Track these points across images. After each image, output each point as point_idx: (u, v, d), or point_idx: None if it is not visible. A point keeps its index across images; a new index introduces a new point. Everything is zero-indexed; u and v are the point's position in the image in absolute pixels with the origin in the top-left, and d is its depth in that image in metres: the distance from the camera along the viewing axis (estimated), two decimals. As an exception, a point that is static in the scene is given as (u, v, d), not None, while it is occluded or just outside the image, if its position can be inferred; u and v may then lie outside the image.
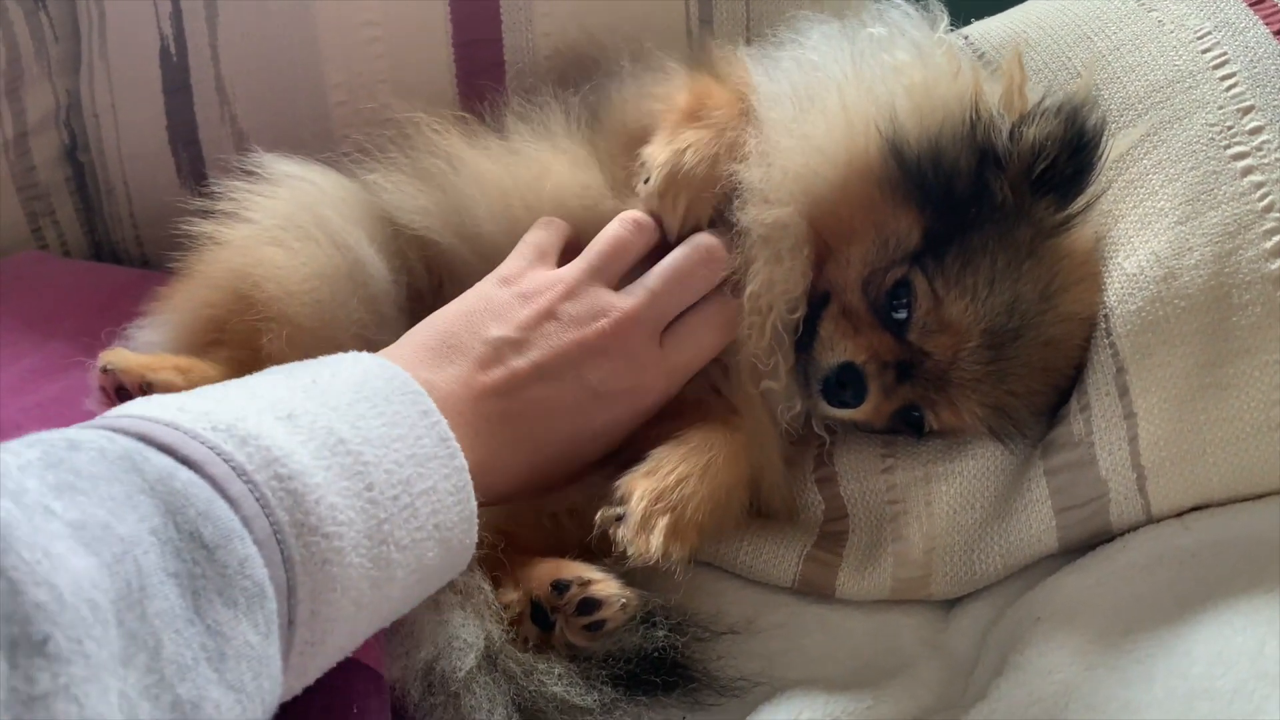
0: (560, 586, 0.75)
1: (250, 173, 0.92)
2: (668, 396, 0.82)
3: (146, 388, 0.81)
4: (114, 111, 1.23)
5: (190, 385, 0.78)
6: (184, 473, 0.51)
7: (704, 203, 0.82)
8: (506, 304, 0.78)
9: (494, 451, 0.73)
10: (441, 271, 0.92)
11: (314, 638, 0.55)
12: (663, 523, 0.74)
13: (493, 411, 0.74)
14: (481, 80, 1.07)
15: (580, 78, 0.95)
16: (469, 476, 0.65)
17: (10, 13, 1.26)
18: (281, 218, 0.89)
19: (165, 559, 0.48)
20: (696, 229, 0.83)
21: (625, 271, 0.82)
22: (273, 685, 0.52)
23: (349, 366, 0.66)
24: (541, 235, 0.85)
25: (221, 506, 0.51)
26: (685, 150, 0.81)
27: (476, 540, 0.67)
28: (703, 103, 0.84)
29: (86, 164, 1.31)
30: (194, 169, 1.19)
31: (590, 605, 0.74)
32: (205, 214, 0.91)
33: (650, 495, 0.75)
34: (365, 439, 0.59)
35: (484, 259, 0.86)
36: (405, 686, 0.69)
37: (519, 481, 0.77)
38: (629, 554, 0.72)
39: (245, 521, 0.51)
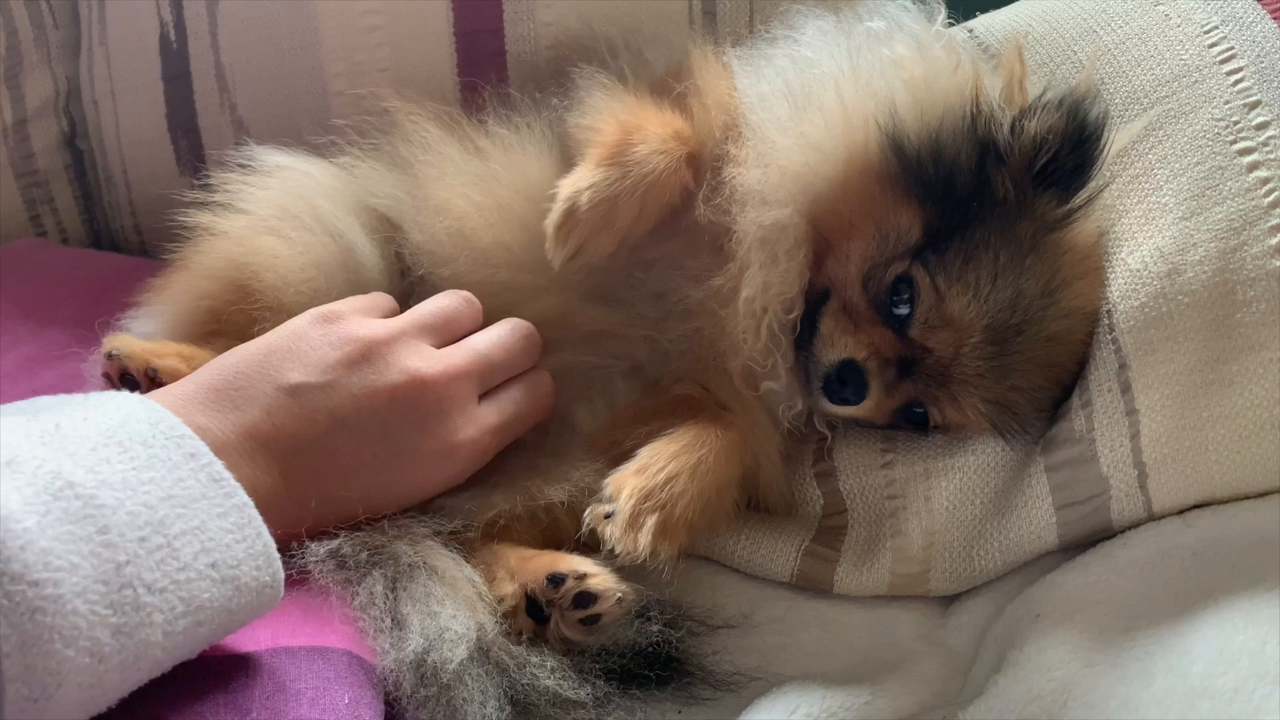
0: (556, 579, 0.74)
1: (244, 165, 0.92)
2: (477, 466, 0.80)
3: (152, 374, 0.80)
4: (113, 99, 1.22)
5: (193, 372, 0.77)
6: None
7: (596, 245, 0.80)
8: (316, 345, 0.74)
9: (291, 487, 0.69)
10: (418, 261, 0.91)
11: (34, 694, 0.52)
12: (651, 521, 0.73)
13: (271, 464, 0.70)
14: (482, 70, 1.07)
15: (575, 73, 0.94)
16: (255, 513, 0.62)
17: (10, -1, 1.26)
18: (277, 208, 0.89)
19: None
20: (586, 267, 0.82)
21: (450, 341, 0.80)
22: None
23: (109, 411, 0.62)
24: (376, 300, 0.82)
25: None
26: (585, 191, 0.79)
27: (282, 576, 0.63)
28: (627, 139, 0.81)
29: (86, 151, 1.31)
30: (193, 157, 1.19)
31: (586, 599, 0.74)
32: (200, 205, 0.91)
33: (639, 493, 0.74)
34: (102, 481, 0.56)
35: (453, 252, 0.86)
36: (397, 678, 0.68)
37: (296, 528, 0.72)
38: (617, 552, 0.72)
39: None
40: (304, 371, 0.73)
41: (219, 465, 0.62)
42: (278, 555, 0.62)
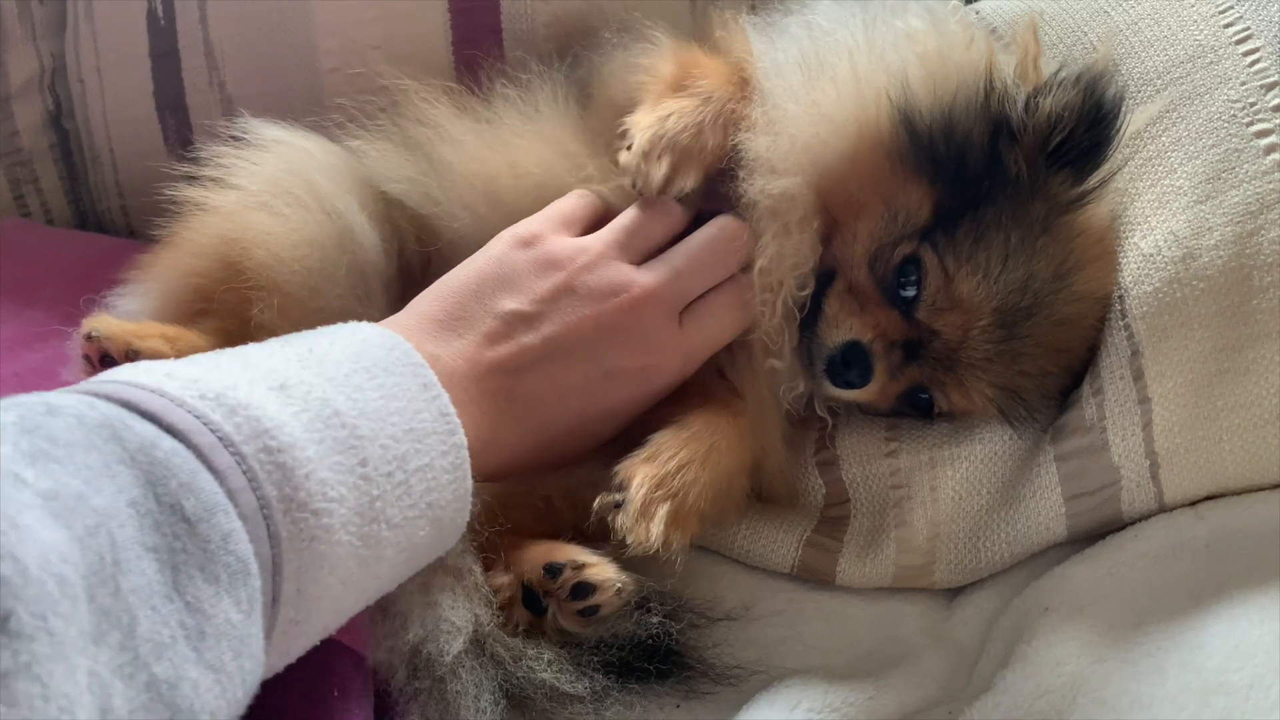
0: (553, 570, 0.72)
1: (237, 138, 0.90)
2: (682, 378, 0.80)
3: (133, 355, 0.78)
4: (99, 76, 1.20)
5: (178, 354, 0.76)
6: (167, 441, 0.49)
7: (687, 169, 0.79)
8: (522, 272, 0.75)
9: (497, 429, 0.70)
10: (431, 244, 0.89)
11: (299, 616, 0.53)
12: (663, 510, 0.71)
13: (499, 388, 0.71)
14: (478, 47, 1.05)
15: (579, 47, 0.93)
16: (467, 454, 0.63)
17: (-7, -28, 1.24)
18: (270, 183, 0.86)
19: (143, 533, 0.46)
20: (679, 197, 0.80)
21: (650, 251, 0.79)
22: (254, 665, 0.50)
23: (347, 336, 0.63)
24: (571, 204, 0.81)
25: (206, 478, 0.49)
26: (669, 116, 0.78)
27: (468, 519, 0.65)
28: (688, 72, 0.81)
29: (71, 130, 1.29)
30: (181, 136, 1.17)
31: (584, 590, 0.72)
32: (191, 180, 0.88)
33: (651, 482, 0.72)
34: (361, 412, 0.57)
35: (467, 233, 0.84)
36: (391, 670, 0.67)
37: (521, 460, 0.74)
38: (628, 542, 0.70)
39: (230, 495, 0.50)
40: (516, 299, 0.74)
41: (446, 399, 0.63)
42: (471, 500, 0.64)
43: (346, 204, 0.86)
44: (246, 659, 0.49)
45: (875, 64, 0.78)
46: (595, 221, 0.81)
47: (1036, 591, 0.76)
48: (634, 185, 0.78)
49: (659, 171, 0.78)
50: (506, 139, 0.86)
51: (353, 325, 0.65)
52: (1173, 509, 0.77)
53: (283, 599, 0.52)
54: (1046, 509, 0.79)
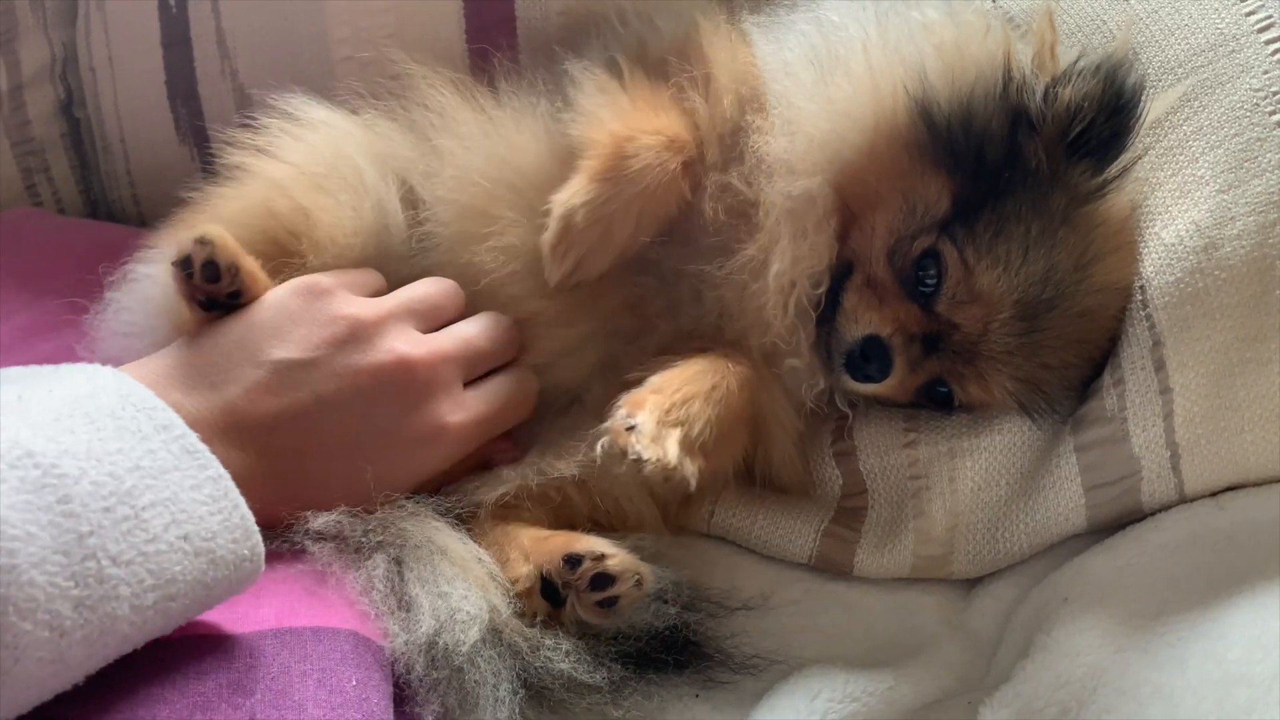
0: (573, 561, 0.72)
1: (283, 113, 0.88)
2: (461, 454, 0.79)
3: (233, 271, 0.74)
4: (111, 65, 1.20)
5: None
6: None
7: (589, 266, 0.79)
8: (301, 321, 0.74)
9: (240, 482, 0.66)
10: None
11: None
12: (675, 434, 0.71)
13: (249, 444, 0.69)
14: (492, 36, 1.04)
15: (571, 52, 0.91)
16: (230, 485, 0.61)
17: (4, -39, 1.23)
18: (325, 164, 0.85)
19: None
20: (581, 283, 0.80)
21: (438, 325, 0.79)
22: None
23: (80, 382, 0.61)
24: (374, 280, 0.81)
25: None
26: (580, 209, 0.77)
27: (263, 550, 0.62)
28: (620, 151, 0.79)
29: (83, 119, 1.28)
30: (193, 125, 1.16)
31: (604, 580, 0.72)
32: (236, 146, 0.86)
33: (660, 409, 0.72)
34: (64, 451, 0.55)
35: (461, 220, 0.84)
36: (408, 661, 0.67)
37: (272, 513, 0.70)
38: (645, 460, 0.68)
39: None
40: (287, 348, 0.72)
41: (193, 437, 0.61)
42: (256, 529, 0.61)
43: (387, 193, 0.85)
44: None
45: (890, 56, 0.78)
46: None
47: (1055, 582, 0.76)
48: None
49: (558, 272, 0.79)
50: (496, 143, 0.86)
51: (90, 370, 0.63)
52: (1193, 500, 0.77)
53: None
54: (1066, 499, 0.79)
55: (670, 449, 0.69)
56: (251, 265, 0.76)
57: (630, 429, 0.70)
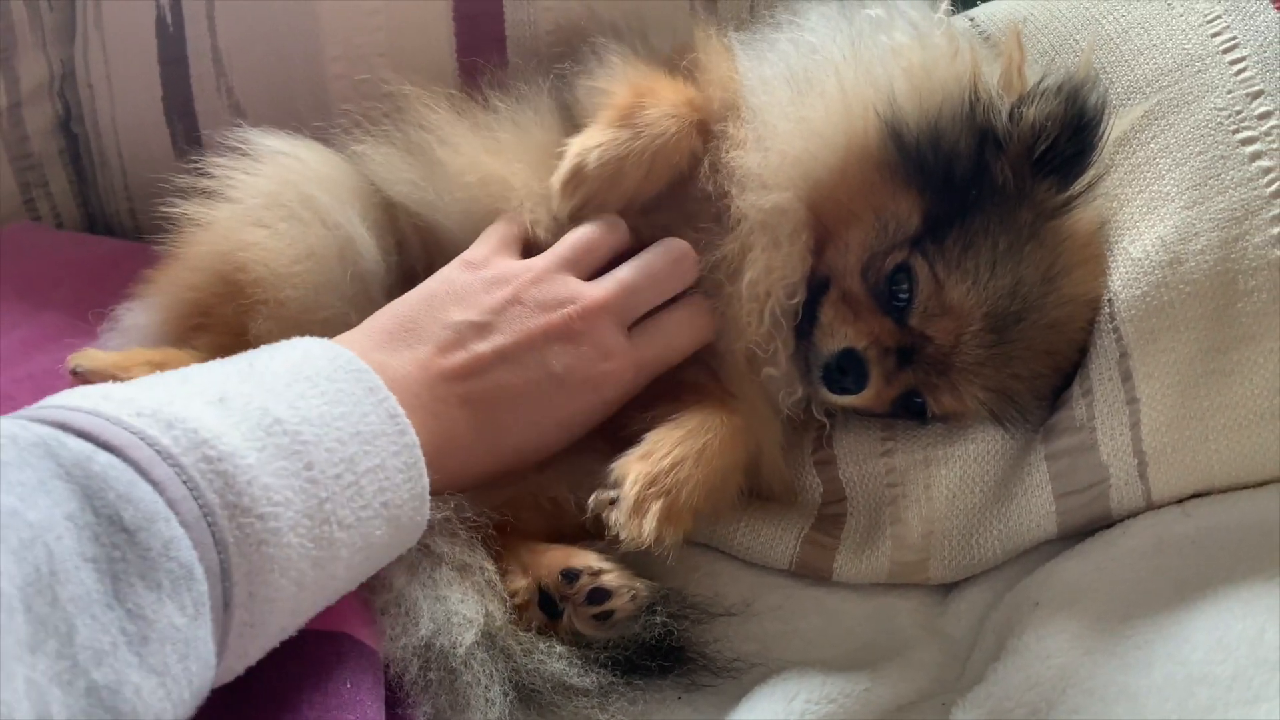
0: (570, 575, 0.74)
1: (235, 149, 0.90)
2: (633, 391, 0.81)
3: None
4: (109, 82, 1.21)
5: None
6: (103, 456, 0.50)
7: (601, 202, 0.81)
8: (471, 288, 0.78)
9: (451, 434, 0.72)
10: (434, 249, 0.91)
11: (253, 619, 0.55)
12: (656, 507, 0.73)
13: (451, 395, 0.73)
14: (482, 54, 1.06)
15: (569, 62, 0.94)
16: (420, 453, 0.64)
17: (3, -20, 1.25)
18: (265, 196, 0.87)
19: (81, 544, 0.47)
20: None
21: (596, 268, 0.81)
22: (201, 667, 0.51)
23: (288, 350, 0.65)
24: (505, 228, 0.84)
25: (144, 489, 0.50)
26: (594, 149, 0.80)
27: (428, 518, 0.66)
28: (638, 101, 0.82)
29: (80, 135, 1.30)
30: (189, 140, 1.18)
31: (600, 595, 0.74)
32: (188, 193, 0.89)
33: (644, 479, 0.74)
34: (304, 418, 0.59)
35: (468, 237, 0.85)
36: (403, 664, 0.68)
37: (477, 466, 0.76)
38: (621, 538, 0.72)
39: (171, 504, 0.51)
40: (466, 311, 0.76)
41: (393, 401, 0.64)
42: (429, 497, 0.66)
43: (346, 215, 0.87)
44: (193, 661, 0.50)
45: (862, 79, 0.80)
46: (526, 241, 0.84)
47: (1027, 587, 0.78)
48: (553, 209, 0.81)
49: (566, 206, 0.81)
50: (496, 149, 0.88)
51: (296, 340, 0.67)
52: (1160, 506, 0.78)
53: (235, 603, 0.53)
54: (1038, 506, 0.80)
55: (647, 526, 0.72)
56: (139, 371, 0.78)
57: (613, 502, 0.73)
